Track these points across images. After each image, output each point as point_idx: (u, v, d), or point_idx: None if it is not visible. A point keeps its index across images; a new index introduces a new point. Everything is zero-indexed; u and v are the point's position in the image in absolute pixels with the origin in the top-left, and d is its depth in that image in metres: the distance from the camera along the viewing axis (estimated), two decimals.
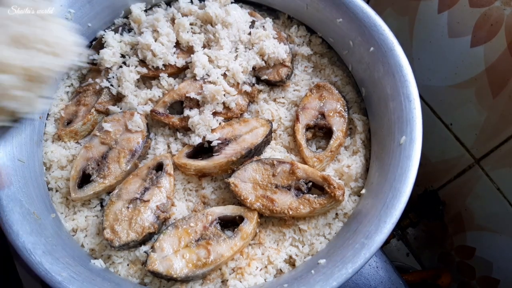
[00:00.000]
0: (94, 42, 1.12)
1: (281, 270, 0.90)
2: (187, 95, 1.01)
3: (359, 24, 1.00)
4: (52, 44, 0.66)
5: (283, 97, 1.10)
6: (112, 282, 0.85)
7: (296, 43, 1.15)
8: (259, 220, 0.92)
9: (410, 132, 0.88)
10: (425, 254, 1.64)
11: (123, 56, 1.07)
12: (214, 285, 0.87)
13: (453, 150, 1.27)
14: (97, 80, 1.05)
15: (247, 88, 1.04)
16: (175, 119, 1.02)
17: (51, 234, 0.87)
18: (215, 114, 1.01)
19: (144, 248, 0.89)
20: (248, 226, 0.89)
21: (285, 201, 0.90)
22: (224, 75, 1.03)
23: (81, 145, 1.02)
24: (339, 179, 0.98)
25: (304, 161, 0.98)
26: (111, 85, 1.04)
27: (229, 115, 1.03)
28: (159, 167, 0.97)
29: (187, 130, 1.02)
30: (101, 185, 0.94)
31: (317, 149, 1.04)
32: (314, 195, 0.91)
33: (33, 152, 0.97)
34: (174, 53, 1.06)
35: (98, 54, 1.05)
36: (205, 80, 1.01)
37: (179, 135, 1.02)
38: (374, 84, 1.00)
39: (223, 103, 1.02)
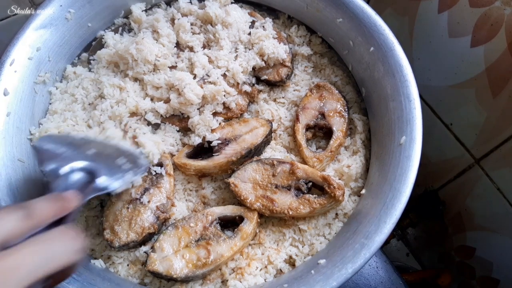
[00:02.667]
0: (94, 43, 1.12)
1: (281, 270, 0.90)
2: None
3: (359, 24, 1.00)
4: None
5: (283, 97, 1.10)
6: (112, 282, 0.85)
7: (296, 43, 1.15)
8: (259, 220, 0.92)
9: (410, 132, 0.88)
10: (425, 254, 1.64)
11: None
12: (214, 285, 0.87)
13: (453, 150, 1.27)
14: None
15: (247, 88, 1.04)
16: (174, 119, 1.02)
17: None
18: (215, 114, 1.01)
19: (144, 248, 0.89)
20: (248, 226, 0.89)
21: (285, 201, 0.90)
22: (224, 75, 1.03)
23: None
24: (339, 179, 0.98)
25: (304, 161, 0.98)
26: None
27: (229, 115, 1.03)
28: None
29: (187, 130, 1.02)
30: None
31: (317, 149, 1.04)
32: (314, 195, 0.91)
33: (33, 152, 0.97)
34: (174, 53, 1.06)
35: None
36: (205, 80, 1.01)
37: (179, 135, 1.02)
38: (374, 84, 1.00)
39: (223, 103, 1.02)
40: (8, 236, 0.47)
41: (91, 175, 0.78)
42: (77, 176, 0.76)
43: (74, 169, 0.77)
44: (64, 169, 0.76)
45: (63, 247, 0.49)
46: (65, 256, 0.48)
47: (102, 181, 0.78)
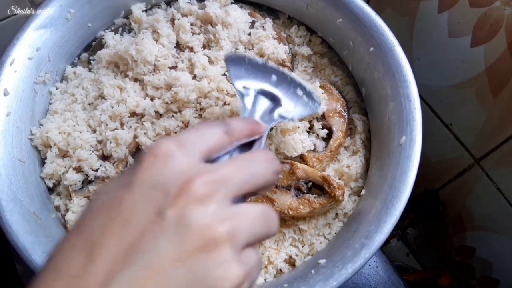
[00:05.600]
0: (94, 43, 1.12)
1: (281, 270, 0.90)
2: None
3: (359, 24, 1.00)
4: None
5: None
6: None
7: (296, 43, 1.15)
8: None
9: (410, 132, 0.88)
10: (425, 254, 1.64)
11: None
12: None
13: (453, 150, 1.27)
14: None
15: None
16: None
17: (51, 234, 0.87)
18: None
19: None
20: None
21: (285, 201, 0.90)
22: (224, 75, 1.03)
23: None
24: (339, 179, 0.98)
25: (304, 161, 0.98)
26: None
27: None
28: None
29: None
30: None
31: None
32: (314, 195, 0.91)
33: (33, 152, 0.97)
34: (174, 54, 1.06)
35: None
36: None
37: None
38: (374, 84, 1.00)
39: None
40: (212, 148, 0.50)
41: (275, 101, 0.78)
42: (263, 100, 0.77)
43: (260, 90, 0.78)
44: (252, 90, 0.77)
45: (264, 166, 0.50)
46: (266, 175, 0.50)
47: (284, 109, 0.78)
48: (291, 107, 0.80)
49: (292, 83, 0.86)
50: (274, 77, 0.83)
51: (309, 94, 0.86)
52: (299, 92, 0.85)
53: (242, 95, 0.76)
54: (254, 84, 0.79)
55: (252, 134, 0.62)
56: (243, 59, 0.86)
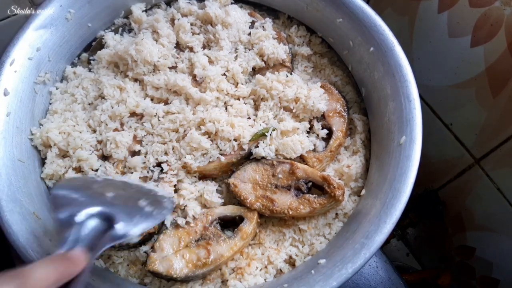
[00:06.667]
0: (94, 43, 1.12)
1: (281, 270, 0.90)
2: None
3: (359, 24, 1.00)
4: None
5: None
6: (112, 282, 0.85)
7: (296, 43, 1.15)
8: (259, 220, 0.92)
9: (410, 132, 0.88)
10: (425, 254, 1.64)
11: None
12: (214, 285, 0.87)
13: (453, 150, 1.27)
14: None
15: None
16: None
17: (51, 234, 0.87)
18: None
19: (144, 248, 0.89)
20: (248, 226, 0.89)
21: (285, 201, 0.90)
22: (224, 75, 1.03)
23: None
24: (339, 179, 0.98)
25: (304, 161, 0.98)
26: None
27: None
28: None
29: None
30: None
31: None
32: (314, 195, 0.91)
33: (33, 152, 0.97)
34: (174, 54, 1.06)
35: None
36: None
37: None
38: (374, 84, 1.00)
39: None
40: None
41: (109, 221, 0.71)
42: (93, 224, 0.69)
43: (90, 215, 0.70)
44: (79, 217, 0.69)
45: None
46: None
47: (120, 227, 0.71)
48: (129, 224, 0.72)
49: (134, 195, 0.79)
50: (111, 194, 0.77)
51: (155, 202, 0.79)
52: (142, 203, 0.77)
53: (62, 227, 0.68)
54: (82, 209, 0.71)
55: (63, 277, 0.52)
56: (74, 183, 0.81)
